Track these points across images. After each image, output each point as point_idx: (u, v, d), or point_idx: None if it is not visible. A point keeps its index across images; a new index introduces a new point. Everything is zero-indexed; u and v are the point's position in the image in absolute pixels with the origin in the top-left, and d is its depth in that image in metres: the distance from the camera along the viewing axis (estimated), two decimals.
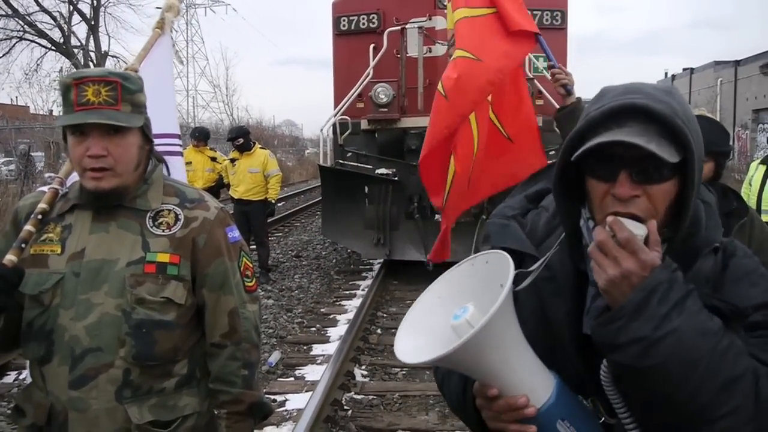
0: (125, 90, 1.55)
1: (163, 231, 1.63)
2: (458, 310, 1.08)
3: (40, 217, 1.60)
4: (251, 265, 1.80)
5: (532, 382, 1.07)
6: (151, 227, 1.63)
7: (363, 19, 8.83)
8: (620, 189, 1.05)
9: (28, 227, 1.58)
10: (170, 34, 2.28)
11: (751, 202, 7.02)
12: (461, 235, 8.05)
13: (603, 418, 1.12)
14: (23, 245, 1.56)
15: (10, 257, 1.53)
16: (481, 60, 3.23)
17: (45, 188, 1.70)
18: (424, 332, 1.13)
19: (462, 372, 1.14)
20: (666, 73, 38.37)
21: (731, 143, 3.04)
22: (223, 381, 1.70)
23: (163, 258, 1.61)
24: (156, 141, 1.73)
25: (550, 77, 2.98)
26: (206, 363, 1.73)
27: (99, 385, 1.55)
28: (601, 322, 1.03)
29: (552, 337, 1.16)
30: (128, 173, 1.59)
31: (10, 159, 19.22)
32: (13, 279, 1.49)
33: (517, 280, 1.09)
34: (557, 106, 7.38)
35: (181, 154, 2.41)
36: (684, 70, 34.98)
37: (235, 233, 1.76)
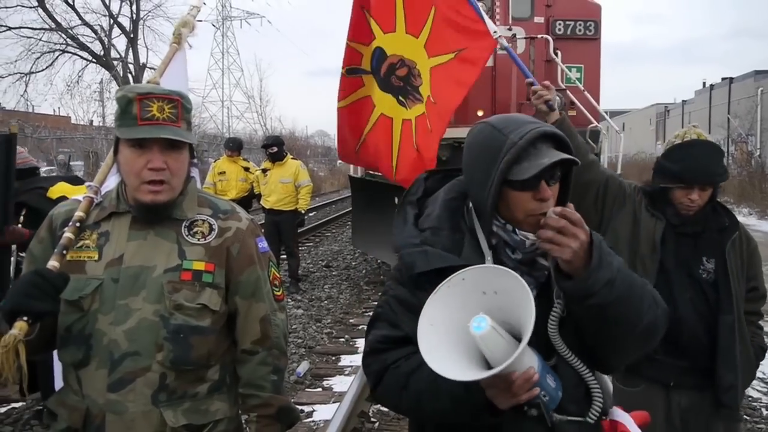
0: (184, 108, 1.64)
1: (199, 240, 1.69)
2: (474, 322, 1.28)
3: (78, 224, 1.66)
4: (279, 275, 1.85)
5: (525, 354, 1.30)
6: (187, 236, 1.68)
7: None
8: (546, 192, 1.39)
9: (68, 234, 1.64)
10: (186, 48, 2.38)
11: None
12: None
13: (552, 362, 1.44)
14: (64, 251, 1.62)
15: (53, 263, 1.58)
16: (435, 103, 3.87)
17: (80, 197, 1.76)
18: (446, 350, 1.30)
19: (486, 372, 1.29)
20: (704, 83, 37.70)
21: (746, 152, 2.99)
22: (253, 385, 1.75)
23: (199, 266, 1.66)
24: None
25: (531, 95, 2.86)
26: (236, 369, 1.77)
27: (136, 388, 1.60)
28: (580, 280, 1.35)
29: None
30: (179, 186, 1.67)
31: (51, 168, 19.78)
32: (60, 284, 1.53)
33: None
34: (591, 119, 7.37)
35: (195, 164, 2.51)
36: (723, 79, 34.30)
37: (264, 244, 1.81)
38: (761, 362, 2.53)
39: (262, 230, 8.96)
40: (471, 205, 1.51)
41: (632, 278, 1.43)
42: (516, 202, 1.41)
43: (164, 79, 2.31)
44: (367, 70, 4.24)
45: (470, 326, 1.28)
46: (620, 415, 1.50)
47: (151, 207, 1.63)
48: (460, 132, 7.90)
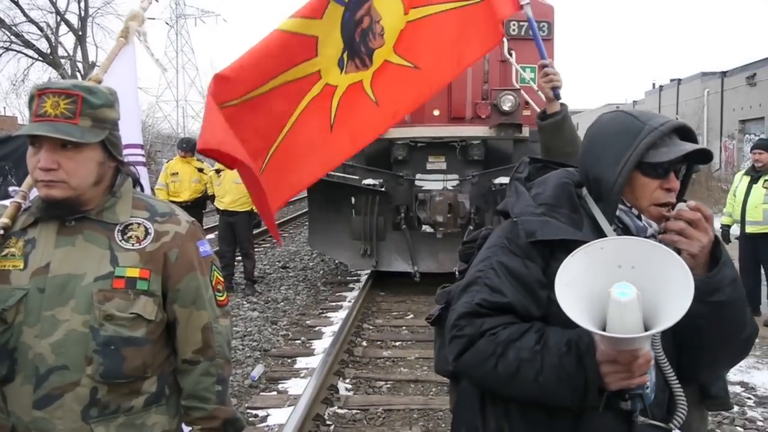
0: (87, 104, 1.52)
1: (133, 245, 1.60)
2: (618, 288, 1.24)
3: (1, 232, 1.56)
4: (222, 279, 1.77)
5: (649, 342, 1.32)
6: (120, 241, 1.59)
7: None
8: (674, 183, 1.44)
9: None
10: (136, 42, 2.26)
11: (736, 213, 7.08)
12: (449, 245, 8.06)
13: None
14: None
15: None
16: (419, 68, 2.92)
17: (6, 202, 1.66)
18: (586, 304, 1.29)
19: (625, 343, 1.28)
20: (654, 84, 38.74)
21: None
22: (196, 397, 1.67)
23: (133, 273, 1.58)
24: None
25: (540, 76, 2.61)
26: (175, 380, 1.69)
27: (65, 404, 1.50)
28: (711, 275, 1.36)
29: None
30: (85, 188, 1.55)
31: None
32: None
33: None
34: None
35: (144, 164, 2.40)
36: (671, 80, 35.31)
37: (206, 247, 1.73)
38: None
39: (216, 232, 8.77)
40: (585, 192, 1.52)
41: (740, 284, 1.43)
42: (643, 189, 1.44)
43: (108, 76, 2.21)
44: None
45: (613, 291, 1.24)
46: None
47: (49, 203, 1.53)
48: (416, 131, 7.92)
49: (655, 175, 1.44)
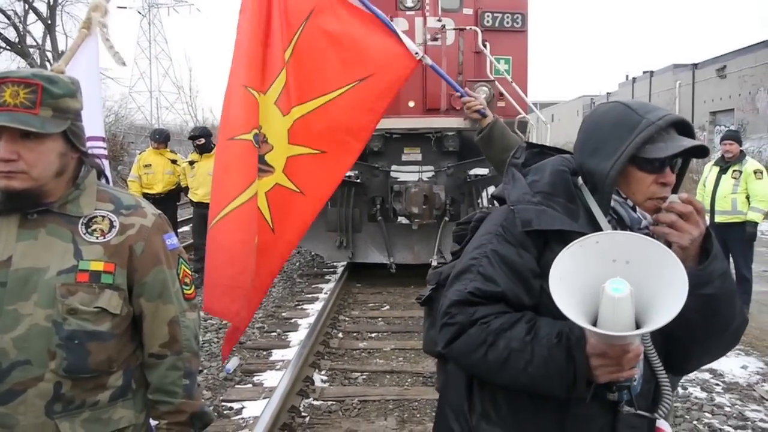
0: (47, 93, 1.48)
1: (97, 238, 1.57)
2: (612, 284, 1.24)
3: None
4: (190, 272, 1.75)
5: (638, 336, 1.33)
6: (84, 234, 1.57)
7: None
8: (670, 177, 1.43)
9: None
10: (98, 34, 2.23)
11: (705, 203, 7.20)
12: (425, 237, 8.09)
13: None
14: None
15: None
16: (325, 152, 3.10)
17: None
18: (577, 299, 1.29)
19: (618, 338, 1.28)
20: (627, 76, 39.19)
21: None
22: (163, 391, 1.66)
23: (97, 266, 1.55)
24: None
25: (461, 107, 2.89)
26: (143, 374, 1.67)
27: (27, 399, 1.48)
28: (702, 268, 1.37)
29: None
30: (46, 179, 1.52)
31: None
32: None
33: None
34: (519, 110, 7.49)
35: (106, 156, 2.38)
36: (644, 73, 35.75)
37: (173, 240, 1.71)
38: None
39: (190, 225, 8.66)
40: (581, 182, 1.50)
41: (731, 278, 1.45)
42: (639, 183, 1.44)
43: (71, 67, 2.18)
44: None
45: (607, 286, 1.24)
46: (666, 425, 1.46)
47: (9, 194, 1.49)
48: (392, 122, 7.90)
49: (650, 169, 1.43)
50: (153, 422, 1.70)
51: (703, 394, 4.77)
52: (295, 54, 3.09)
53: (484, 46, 7.73)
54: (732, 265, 7.18)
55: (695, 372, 5.14)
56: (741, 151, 7.02)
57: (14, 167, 1.46)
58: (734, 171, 6.89)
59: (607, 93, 40.93)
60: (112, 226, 1.59)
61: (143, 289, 1.62)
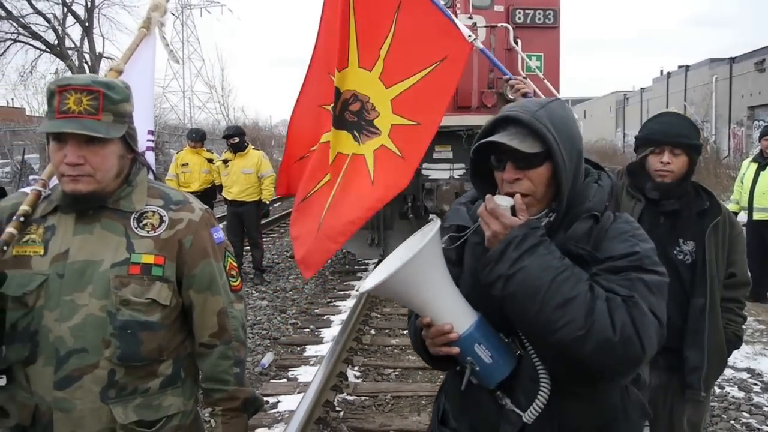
0: (108, 100, 1.56)
1: (148, 232, 1.65)
2: (428, 226, 1.44)
3: (22, 219, 1.61)
4: (236, 265, 1.82)
5: (456, 314, 1.42)
6: (136, 228, 1.64)
7: None
8: (507, 174, 1.46)
9: (10, 229, 1.59)
10: (156, 33, 2.29)
11: (743, 200, 7.06)
12: (399, 234, 8.09)
13: (518, 351, 1.46)
14: (5, 247, 1.57)
15: None
16: (420, 124, 3.88)
17: (27, 189, 1.71)
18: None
19: (403, 303, 1.47)
20: (662, 71, 38.45)
21: (702, 138, 3.11)
22: (216, 380, 1.73)
23: (148, 259, 1.63)
24: None
25: (508, 89, 3.03)
26: (191, 363, 1.75)
27: (84, 385, 1.56)
28: (480, 267, 1.42)
29: (483, 287, 1.45)
30: (108, 180, 1.61)
31: (6, 161, 19.18)
32: None
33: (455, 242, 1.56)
34: None
35: (152, 149, 2.47)
36: (680, 67, 35.02)
37: (219, 234, 1.78)
38: (736, 349, 2.54)
39: (224, 223, 8.80)
40: None
41: (556, 285, 1.33)
42: (497, 180, 1.53)
43: (129, 67, 2.23)
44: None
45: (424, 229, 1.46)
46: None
47: (75, 197, 1.58)
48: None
49: (495, 167, 1.50)
50: (207, 409, 1.78)
51: (741, 394, 4.70)
52: (396, 35, 3.84)
53: (516, 43, 7.69)
54: None
55: (732, 371, 5.07)
56: None
57: (81, 171, 1.55)
58: None
59: (641, 89, 40.22)
60: (162, 220, 1.67)
61: (192, 281, 1.69)
